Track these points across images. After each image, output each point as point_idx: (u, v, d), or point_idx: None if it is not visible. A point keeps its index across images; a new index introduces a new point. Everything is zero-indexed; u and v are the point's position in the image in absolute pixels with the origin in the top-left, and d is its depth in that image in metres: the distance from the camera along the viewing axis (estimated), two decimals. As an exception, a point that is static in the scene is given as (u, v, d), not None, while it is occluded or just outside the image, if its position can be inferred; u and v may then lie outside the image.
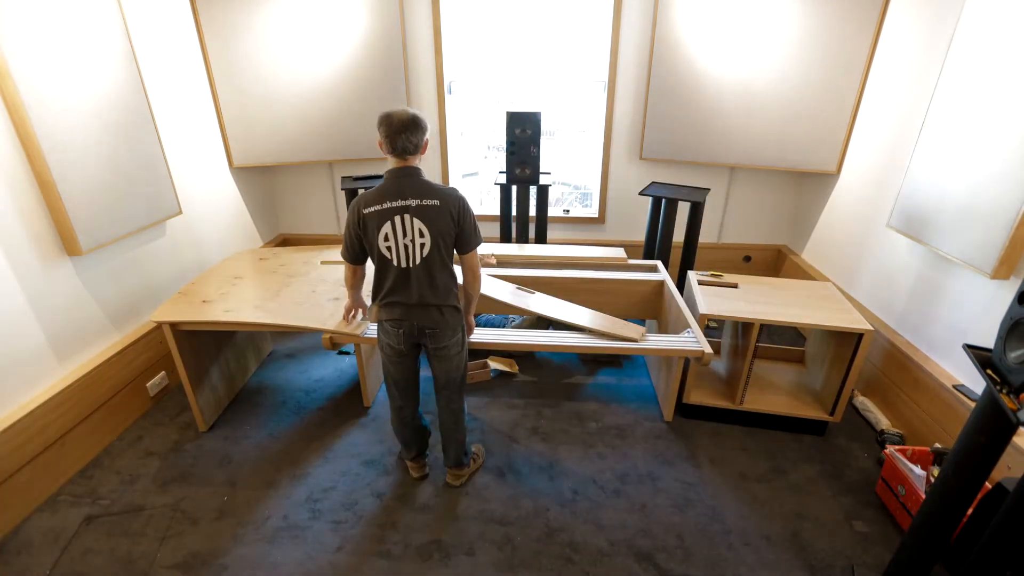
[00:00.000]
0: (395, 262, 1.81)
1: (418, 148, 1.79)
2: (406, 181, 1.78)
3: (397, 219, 1.76)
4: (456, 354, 2.01)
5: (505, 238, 3.81)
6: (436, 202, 1.78)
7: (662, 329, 2.94)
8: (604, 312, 3.13)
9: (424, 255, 1.80)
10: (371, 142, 3.83)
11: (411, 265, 1.81)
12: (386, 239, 1.78)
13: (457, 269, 1.96)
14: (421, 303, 1.86)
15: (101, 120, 2.45)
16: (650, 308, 3.02)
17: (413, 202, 1.77)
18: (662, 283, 2.96)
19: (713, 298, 2.58)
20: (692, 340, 2.35)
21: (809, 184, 3.85)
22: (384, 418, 2.71)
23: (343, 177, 3.48)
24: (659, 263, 3.20)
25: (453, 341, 1.97)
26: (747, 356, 2.48)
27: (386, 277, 1.86)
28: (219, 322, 2.36)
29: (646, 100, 3.68)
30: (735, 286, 2.76)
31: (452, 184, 4.13)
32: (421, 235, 1.78)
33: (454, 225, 1.82)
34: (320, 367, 3.18)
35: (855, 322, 2.34)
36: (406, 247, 1.79)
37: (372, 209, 1.77)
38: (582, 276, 2.98)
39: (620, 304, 3.03)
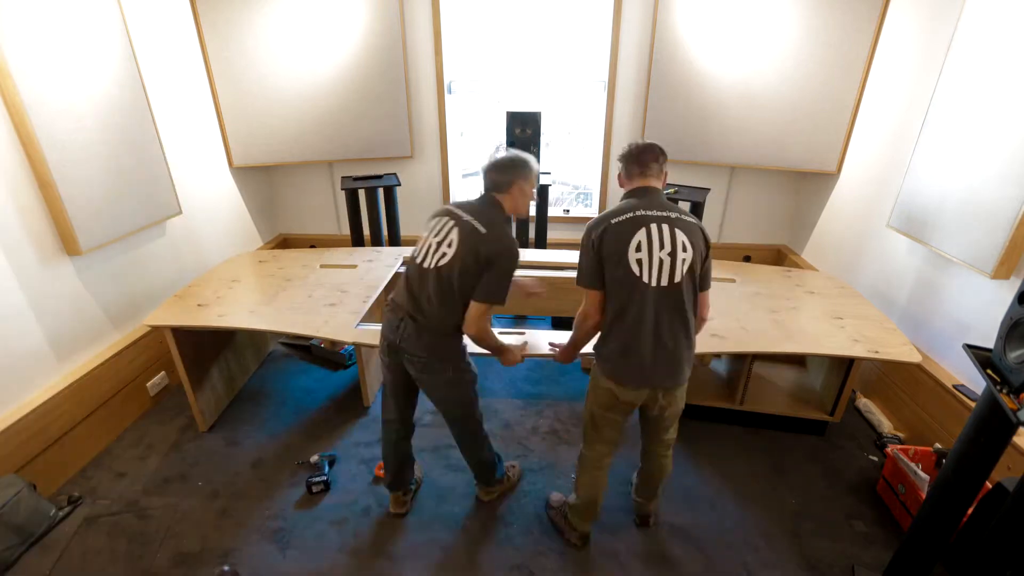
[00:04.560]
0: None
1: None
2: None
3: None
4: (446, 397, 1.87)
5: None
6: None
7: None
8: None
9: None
10: (370, 142, 3.83)
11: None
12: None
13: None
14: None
15: (101, 120, 2.45)
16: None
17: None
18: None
19: (713, 298, 2.58)
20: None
21: (809, 184, 3.85)
22: (384, 418, 2.71)
23: (343, 177, 3.48)
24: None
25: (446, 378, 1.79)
26: (747, 356, 2.48)
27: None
28: (212, 327, 2.36)
29: (646, 100, 3.67)
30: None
31: (452, 183, 4.14)
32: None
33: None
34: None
35: (855, 322, 2.34)
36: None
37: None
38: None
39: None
